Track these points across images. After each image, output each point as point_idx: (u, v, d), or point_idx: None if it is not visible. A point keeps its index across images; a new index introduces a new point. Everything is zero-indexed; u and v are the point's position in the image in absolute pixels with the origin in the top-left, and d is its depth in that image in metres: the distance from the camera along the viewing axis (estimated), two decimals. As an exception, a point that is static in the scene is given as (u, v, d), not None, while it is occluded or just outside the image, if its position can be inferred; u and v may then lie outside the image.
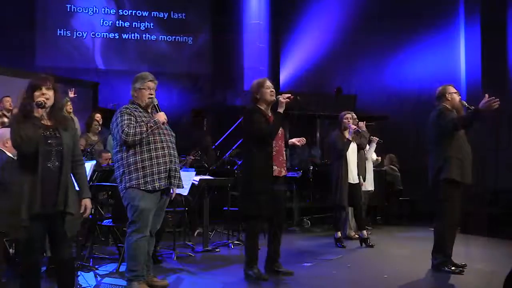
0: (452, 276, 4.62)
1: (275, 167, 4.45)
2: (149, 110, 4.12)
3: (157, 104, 4.09)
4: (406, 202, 9.08)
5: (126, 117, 3.93)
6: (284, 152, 4.63)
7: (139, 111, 4.03)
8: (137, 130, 3.87)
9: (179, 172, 4.10)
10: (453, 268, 4.65)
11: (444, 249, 4.69)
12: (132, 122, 3.91)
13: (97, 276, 4.64)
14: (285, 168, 4.66)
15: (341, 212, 6.26)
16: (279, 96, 4.52)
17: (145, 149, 3.91)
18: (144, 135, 3.88)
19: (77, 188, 3.40)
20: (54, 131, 3.27)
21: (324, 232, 7.60)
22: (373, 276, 4.71)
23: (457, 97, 4.82)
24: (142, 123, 3.92)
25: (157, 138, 3.96)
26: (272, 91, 4.52)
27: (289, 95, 4.51)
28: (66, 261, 3.36)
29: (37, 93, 3.25)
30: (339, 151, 6.09)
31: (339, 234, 6.22)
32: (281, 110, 4.47)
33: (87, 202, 3.40)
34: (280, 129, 4.57)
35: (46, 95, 3.26)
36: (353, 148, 6.26)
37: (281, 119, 4.48)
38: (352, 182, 6.20)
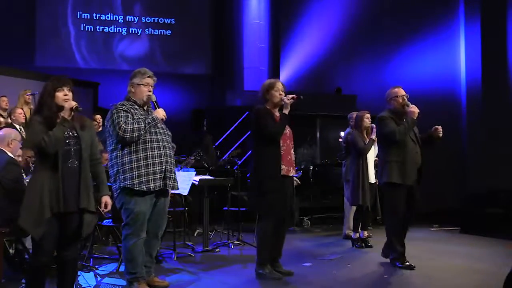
0: (453, 277, 4.63)
1: (283, 167, 4.46)
2: (146, 108, 4.03)
3: (155, 101, 4.01)
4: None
5: (123, 114, 3.84)
6: (292, 152, 4.63)
7: (135, 109, 3.95)
8: (135, 126, 3.79)
9: (174, 173, 4.03)
10: (407, 263, 4.83)
11: (394, 246, 4.88)
12: (129, 119, 3.83)
13: (97, 276, 4.64)
14: (294, 168, 4.67)
15: (362, 212, 6.22)
16: (284, 97, 4.52)
17: (141, 148, 3.83)
18: (142, 132, 3.80)
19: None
20: (72, 131, 3.31)
21: (324, 232, 7.60)
22: (373, 276, 4.71)
23: (397, 103, 4.96)
24: (140, 120, 3.84)
25: (154, 137, 3.89)
26: (281, 94, 4.53)
27: (294, 95, 4.52)
28: (71, 261, 3.38)
29: (59, 94, 3.29)
30: (361, 150, 6.09)
31: (356, 234, 6.21)
32: (286, 111, 4.48)
33: (107, 199, 3.48)
34: (289, 129, 4.59)
35: (68, 96, 3.31)
36: (372, 148, 6.29)
37: (286, 120, 4.49)
38: (370, 181, 6.21)
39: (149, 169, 3.82)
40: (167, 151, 3.95)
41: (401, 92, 5.00)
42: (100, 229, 5.79)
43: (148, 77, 4.01)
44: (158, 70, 10.89)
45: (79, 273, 4.51)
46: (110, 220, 5.21)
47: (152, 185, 3.82)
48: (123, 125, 3.78)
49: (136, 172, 3.79)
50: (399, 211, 4.85)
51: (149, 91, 3.99)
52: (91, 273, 4.67)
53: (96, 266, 4.92)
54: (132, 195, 3.81)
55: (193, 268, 4.96)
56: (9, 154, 4.38)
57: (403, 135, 4.80)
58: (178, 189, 4.12)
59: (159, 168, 3.85)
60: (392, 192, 4.88)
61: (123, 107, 3.91)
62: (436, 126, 4.96)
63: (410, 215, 4.97)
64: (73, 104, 3.30)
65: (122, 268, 4.68)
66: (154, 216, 3.98)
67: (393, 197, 4.88)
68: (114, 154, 3.91)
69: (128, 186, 3.80)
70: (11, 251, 4.45)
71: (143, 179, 3.79)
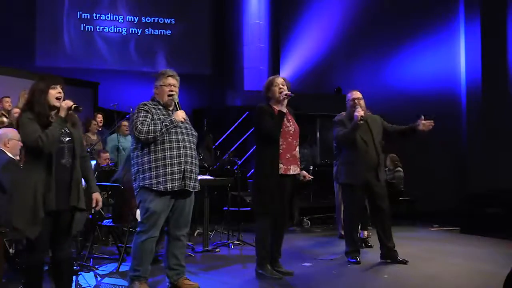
0: (453, 277, 4.63)
1: (281, 165, 4.43)
2: (171, 108, 4.01)
3: (177, 102, 3.98)
4: (406, 202, 9.08)
5: (142, 114, 3.86)
6: (296, 150, 4.56)
7: (158, 109, 3.95)
8: (150, 128, 3.79)
9: (196, 174, 3.99)
10: (358, 259, 5.10)
11: (348, 240, 5.20)
12: (147, 120, 3.83)
13: (97, 276, 4.64)
14: (299, 166, 4.61)
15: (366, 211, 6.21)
16: (280, 94, 4.49)
17: (159, 148, 3.83)
18: (158, 134, 3.80)
19: (83, 183, 3.45)
20: (65, 129, 3.31)
21: (324, 232, 7.59)
22: (373, 276, 4.71)
23: (350, 107, 5.07)
24: (158, 121, 3.84)
25: (173, 137, 3.87)
26: (281, 88, 4.50)
27: (287, 92, 4.48)
28: (66, 260, 3.37)
29: (53, 92, 3.29)
30: None
31: (365, 234, 6.21)
32: (281, 108, 4.46)
33: (97, 196, 3.49)
34: (295, 126, 4.56)
35: (61, 94, 3.32)
36: None
37: (281, 117, 4.43)
38: None
39: (167, 170, 3.81)
40: (188, 151, 3.91)
41: (354, 95, 5.12)
42: (100, 229, 5.79)
43: (168, 76, 4.01)
44: (158, 70, 10.94)
45: (79, 273, 4.52)
46: (110, 220, 5.22)
47: (170, 185, 3.81)
48: (139, 126, 3.80)
49: (155, 172, 3.80)
50: (351, 209, 5.17)
51: (171, 91, 3.97)
52: (91, 273, 4.67)
53: (96, 266, 4.91)
54: (150, 194, 3.82)
55: (193, 268, 4.95)
56: (9, 154, 4.37)
57: (342, 139, 5.02)
58: (199, 189, 4.06)
59: (178, 168, 3.83)
60: (345, 192, 5.20)
61: (145, 107, 3.92)
62: (423, 123, 4.90)
63: (384, 211, 5.14)
64: (71, 103, 3.28)
65: (122, 268, 4.70)
66: (174, 216, 3.96)
67: (346, 197, 5.22)
68: (135, 153, 3.92)
69: (147, 185, 3.82)
70: (11, 251, 4.45)
71: (161, 179, 3.79)
